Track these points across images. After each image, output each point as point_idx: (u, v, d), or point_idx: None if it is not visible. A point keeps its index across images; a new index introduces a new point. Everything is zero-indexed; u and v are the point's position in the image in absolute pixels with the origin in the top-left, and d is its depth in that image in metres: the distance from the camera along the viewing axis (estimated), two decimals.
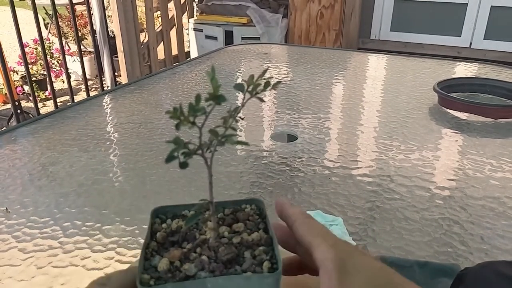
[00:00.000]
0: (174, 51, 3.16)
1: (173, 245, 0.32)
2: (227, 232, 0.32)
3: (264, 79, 0.30)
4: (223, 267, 0.29)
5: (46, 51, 2.51)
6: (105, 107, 0.98)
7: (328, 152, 0.74)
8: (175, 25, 3.14)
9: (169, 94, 1.05)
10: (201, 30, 3.05)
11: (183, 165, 0.30)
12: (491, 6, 2.67)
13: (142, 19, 3.17)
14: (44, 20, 3.54)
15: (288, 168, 0.68)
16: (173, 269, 0.29)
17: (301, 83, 1.10)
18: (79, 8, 3.51)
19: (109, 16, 3.10)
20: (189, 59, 1.49)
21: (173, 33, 3.12)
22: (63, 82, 3.25)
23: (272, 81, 0.31)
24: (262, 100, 0.31)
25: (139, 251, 0.49)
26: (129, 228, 0.53)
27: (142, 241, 0.50)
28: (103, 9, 2.69)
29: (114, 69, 2.86)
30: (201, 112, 0.29)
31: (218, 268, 0.28)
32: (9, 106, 2.72)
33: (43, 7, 3.41)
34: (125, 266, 0.46)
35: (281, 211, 0.33)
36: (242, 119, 0.30)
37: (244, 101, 0.32)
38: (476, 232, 0.53)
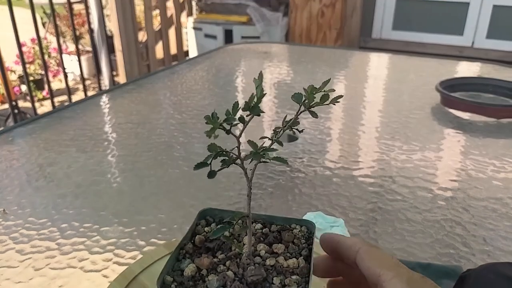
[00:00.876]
0: (173, 50, 3.15)
1: (207, 251, 0.30)
2: (264, 251, 0.30)
3: (324, 91, 0.29)
4: None
5: (44, 51, 2.50)
6: (103, 107, 0.97)
7: (329, 153, 0.73)
8: (174, 24, 3.13)
9: (168, 93, 1.04)
10: (200, 29, 3.04)
11: (212, 175, 0.28)
12: (493, 5, 2.66)
13: (141, 18, 3.16)
14: (41, 19, 3.53)
15: (288, 168, 0.67)
16: (198, 277, 0.28)
17: (302, 82, 1.10)
18: (77, 7, 3.50)
19: (107, 15, 3.09)
20: (188, 58, 1.49)
21: (172, 32, 3.11)
22: (61, 81, 3.25)
23: (332, 95, 0.29)
24: (315, 116, 0.29)
25: (137, 252, 0.48)
26: (127, 229, 0.53)
27: (140, 242, 0.50)
28: (101, 8, 2.69)
29: (112, 68, 2.85)
30: (237, 122, 0.27)
31: None
32: (6, 106, 2.72)
33: (41, 6, 3.40)
34: (124, 268, 0.45)
35: (333, 243, 0.30)
36: (301, 131, 0.28)
37: (298, 113, 0.30)
38: (478, 234, 0.52)
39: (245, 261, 0.29)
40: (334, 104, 0.29)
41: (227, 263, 0.29)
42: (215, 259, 0.29)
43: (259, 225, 0.33)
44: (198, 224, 0.33)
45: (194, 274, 0.28)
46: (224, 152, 0.28)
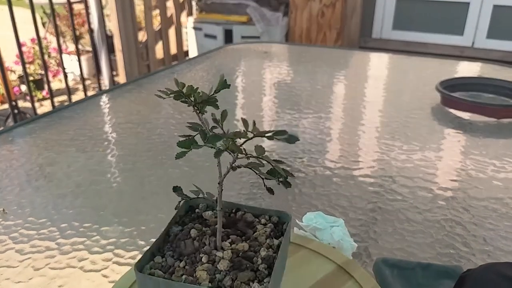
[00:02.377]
0: (173, 50, 3.15)
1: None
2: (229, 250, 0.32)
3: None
4: None
5: (44, 51, 2.50)
6: (103, 107, 0.97)
7: (329, 153, 0.73)
8: (174, 24, 3.13)
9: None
10: (200, 29, 3.04)
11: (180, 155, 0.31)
12: (494, 5, 2.66)
13: (141, 18, 3.16)
14: (41, 19, 3.53)
15: (288, 168, 0.67)
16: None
17: (302, 82, 1.10)
18: (77, 7, 3.50)
19: (107, 15, 3.09)
20: (188, 58, 1.49)
21: (172, 32, 3.11)
22: (61, 81, 3.25)
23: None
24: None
25: (137, 252, 0.48)
26: (127, 229, 0.53)
27: (140, 242, 0.50)
28: (101, 8, 2.68)
29: (112, 68, 2.85)
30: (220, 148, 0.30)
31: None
32: (6, 106, 2.72)
33: (41, 6, 3.40)
34: (123, 268, 0.45)
35: None
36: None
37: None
38: (478, 234, 0.52)
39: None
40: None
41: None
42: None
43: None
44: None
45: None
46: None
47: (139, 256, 0.47)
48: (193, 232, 0.33)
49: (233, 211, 0.38)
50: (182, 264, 0.31)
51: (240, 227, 0.35)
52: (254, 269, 0.31)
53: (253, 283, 0.29)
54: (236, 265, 0.30)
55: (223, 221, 0.34)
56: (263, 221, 0.36)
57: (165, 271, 0.30)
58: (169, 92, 0.29)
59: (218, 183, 0.31)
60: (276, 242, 0.33)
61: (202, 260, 0.31)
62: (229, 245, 0.33)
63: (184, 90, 0.30)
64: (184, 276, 0.29)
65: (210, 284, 0.29)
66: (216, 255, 0.31)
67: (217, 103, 0.30)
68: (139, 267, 0.30)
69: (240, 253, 0.32)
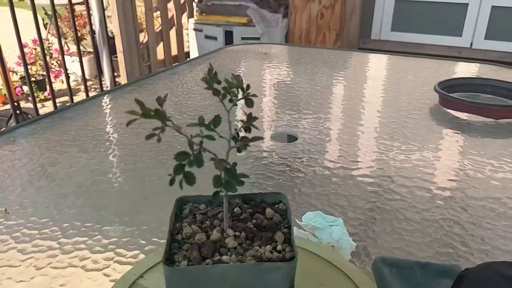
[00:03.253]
0: (174, 51, 3.16)
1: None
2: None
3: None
4: None
5: (45, 52, 2.51)
6: (105, 107, 0.98)
7: (328, 153, 0.74)
8: (174, 25, 3.14)
9: (168, 94, 1.05)
10: (201, 30, 3.05)
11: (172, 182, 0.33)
12: (492, 6, 2.66)
13: (142, 19, 3.16)
14: (43, 20, 3.54)
15: (288, 168, 0.67)
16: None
17: (301, 83, 1.10)
18: (79, 8, 3.51)
19: (108, 16, 3.10)
20: (188, 59, 1.49)
21: (172, 33, 3.12)
22: (62, 82, 3.25)
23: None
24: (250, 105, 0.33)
25: (138, 252, 0.49)
26: (128, 229, 0.53)
27: (142, 241, 0.50)
28: (102, 9, 2.69)
29: (114, 69, 2.86)
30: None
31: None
32: (8, 106, 2.72)
33: (42, 7, 3.40)
34: (125, 267, 0.45)
35: None
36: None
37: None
38: (477, 233, 0.52)
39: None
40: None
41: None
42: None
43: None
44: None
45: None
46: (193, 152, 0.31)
47: (141, 256, 0.48)
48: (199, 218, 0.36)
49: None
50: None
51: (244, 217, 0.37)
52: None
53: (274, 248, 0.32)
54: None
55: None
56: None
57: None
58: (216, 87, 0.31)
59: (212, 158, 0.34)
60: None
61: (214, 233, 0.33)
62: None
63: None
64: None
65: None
66: (228, 234, 0.34)
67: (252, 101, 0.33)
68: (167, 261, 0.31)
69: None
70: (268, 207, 0.37)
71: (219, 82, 0.31)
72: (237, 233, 0.33)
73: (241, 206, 0.38)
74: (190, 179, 0.30)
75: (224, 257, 0.31)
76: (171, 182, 0.28)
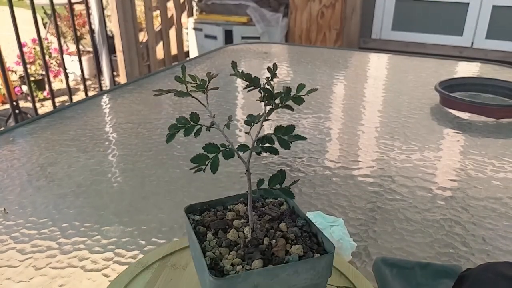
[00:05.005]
0: (174, 50, 3.15)
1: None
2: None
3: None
4: None
5: (45, 51, 2.51)
6: (104, 107, 0.97)
7: (329, 152, 0.73)
8: (174, 24, 3.14)
9: (168, 94, 1.04)
10: (200, 30, 3.05)
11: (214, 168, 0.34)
12: (493, 5, 2.66)
13: (141, 18, 3.16)
14: (42, 19, 3.53)
15: (288, 168, 0.67)
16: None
17: (302, 82, 1.10)
18: (78, 8, 3.51)
19: (108, 16, 3.09)
20: (188, 58, 1.49)
21: (172, 32, 3.12)
22: (62, 82, 3.25)
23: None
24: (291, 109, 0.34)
25: (138, 252, 0.49)
26: (128, 229, 0.53)
27: (141, 242, 0.50)
28: (101, 8, 2.69)
29: (113, 68, 2.86)
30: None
31: None
32: (7, 106, 2.72)
33: (42, 6, 3.40)
34: (124, 267, 0.45)
35: None
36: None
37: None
38: (478, 233, 0.52)
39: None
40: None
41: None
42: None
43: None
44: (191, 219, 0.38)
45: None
46: (222, 147, 0.32)
47: (140, 256, 0.47)
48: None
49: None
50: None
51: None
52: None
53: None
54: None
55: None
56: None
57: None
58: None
59: (246, 170, 0.35)
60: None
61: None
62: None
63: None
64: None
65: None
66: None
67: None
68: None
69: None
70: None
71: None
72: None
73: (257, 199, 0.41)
74: (215, 167, 0.33)
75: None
76: (198, 170, 0.32)
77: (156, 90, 0.32)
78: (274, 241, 0.34)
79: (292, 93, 0.33)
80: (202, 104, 0.32)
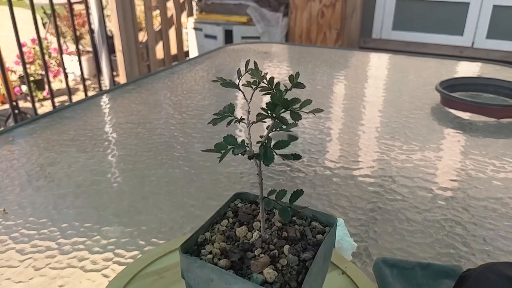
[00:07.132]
0: (173, 50, 3.15)
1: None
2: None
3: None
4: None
5: (44, 51, 2.51)
6: (103, 107, 0.97)
7: (329, 153, 0.73)
8: (174, 24, 3.13)
9: (168, 93, 1.04)
10: (200, 29, 3.05)
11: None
12: (493, 5, 2.66)
13: (141, 18, 3.16)
14: (42, 19, 3.53)
15: (288, 168, 0.67)
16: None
17: (302, 82, 1.10)
18: (77, 8, 3.51)
19: (107, 15, 3.09)
20: (188, 58, 1.49)
21: (172, 32, 3.12)
22: (61, 82, 3.25)
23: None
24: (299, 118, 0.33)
25: (137, 252, 0.48)
26: (127, 229, 0.53)
27: (141, 242, 0.50)
28: (101, 8, 2.69)
29: (113, 68, 2.86)
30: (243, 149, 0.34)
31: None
32: (6, 106, 2.72)
33: (41, 6, 3.40)
34: (124, 268, 0.45)
35: None
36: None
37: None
38: (478, 233, 0.52)
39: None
40: (315, 114, 0.33)
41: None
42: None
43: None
44: (232, 202, 0.39)
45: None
46: (240, 144, 0.32)
47: (139, 256, 0.47)
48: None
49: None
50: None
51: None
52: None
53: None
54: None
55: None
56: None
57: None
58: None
59: (257, 174, 0.35)
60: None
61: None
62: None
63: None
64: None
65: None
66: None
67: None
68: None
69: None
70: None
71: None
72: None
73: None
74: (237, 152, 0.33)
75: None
76: (222, 159, 0.32)
77: (219, 78, 0.33)
78: (263, 255, 0.32)
79: (297, 103, 0.33)
80: (245, 99, 0.32)
